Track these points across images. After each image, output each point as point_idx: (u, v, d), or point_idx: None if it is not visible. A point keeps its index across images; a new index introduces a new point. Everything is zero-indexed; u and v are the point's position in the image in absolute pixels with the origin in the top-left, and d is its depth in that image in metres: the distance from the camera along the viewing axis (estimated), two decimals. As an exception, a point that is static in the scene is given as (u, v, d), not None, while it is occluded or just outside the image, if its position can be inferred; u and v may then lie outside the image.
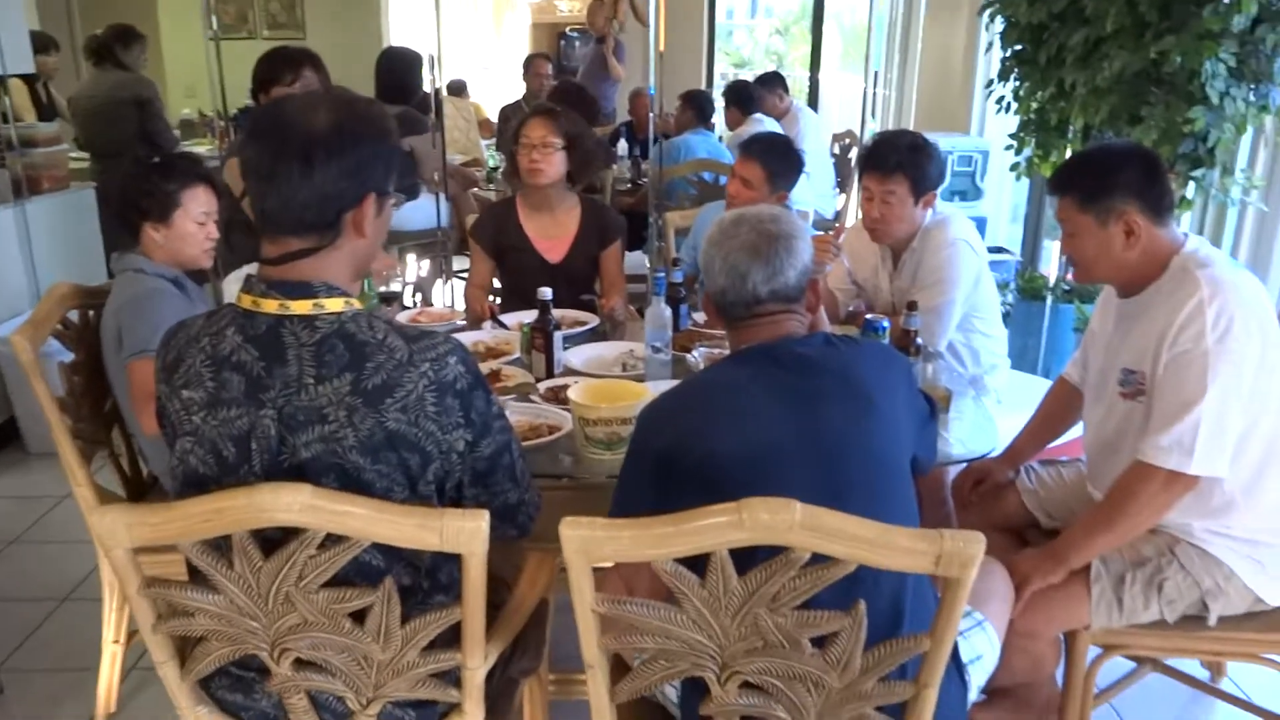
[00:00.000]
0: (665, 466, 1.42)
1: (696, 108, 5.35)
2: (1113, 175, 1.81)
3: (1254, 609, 1.84)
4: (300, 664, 1.34)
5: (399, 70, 4.47)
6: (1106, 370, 1.94)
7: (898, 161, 2.48)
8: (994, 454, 2.13)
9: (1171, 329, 1.73)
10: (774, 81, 6.09)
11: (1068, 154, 3.64)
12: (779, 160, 2.83)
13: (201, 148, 5.72)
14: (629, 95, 6.56)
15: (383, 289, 2.53)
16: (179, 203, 2.13)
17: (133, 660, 2.38)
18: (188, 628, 1.33)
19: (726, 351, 2.31)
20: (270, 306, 1.28)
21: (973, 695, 1.56)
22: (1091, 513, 1.85)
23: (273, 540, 1.23)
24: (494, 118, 6.78)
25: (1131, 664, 2.08)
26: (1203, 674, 2.37)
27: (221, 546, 1.25)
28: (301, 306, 1.28)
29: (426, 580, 1.39)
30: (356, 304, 1.32)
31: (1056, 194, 1.90)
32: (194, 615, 1.31)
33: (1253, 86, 3.02)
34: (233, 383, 1.28)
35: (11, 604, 2.74)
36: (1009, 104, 3.83)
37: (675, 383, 2.15)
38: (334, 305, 1.29)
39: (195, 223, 2.14)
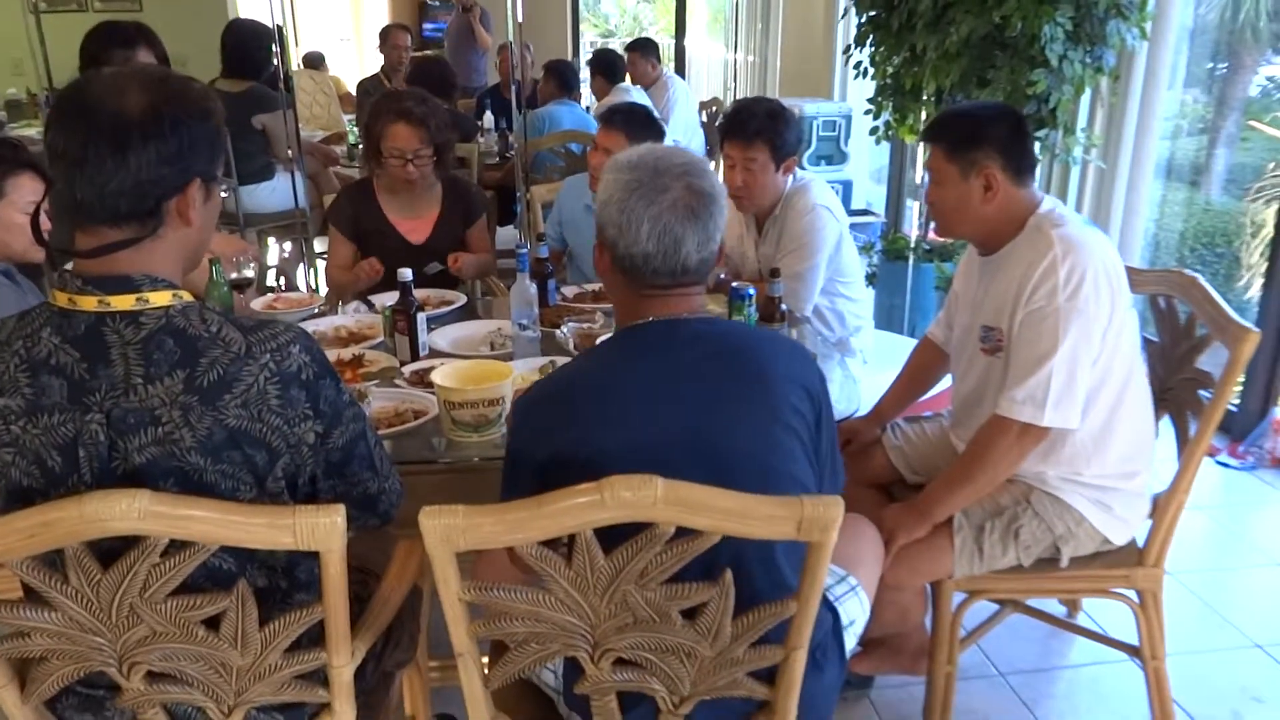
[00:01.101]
0: (549, 473, 1.30)
1: (560, 78, 5.28)
2: (980, 130, 1.87)
3: (1101, 549, 1.95)
4: (153, 677, 1.27)
5: (246, 44, 4.23)
6: (969, 328, 2.01)
7: (757, 129, 2.50)
8: (859, 414, 2.19)
9: (1027, 286, 1.80)
10: (648, 48, 6.06)
11: (923, 117, 3.75)
12: (641, 129, 2.81)
13: (31, 129, 5.33)
14: (495, 51, 6.41)
15: (234, 275, 2.41)
16: (3, 193, 1.98)
17: (-21, 683, 2.22)
18: (24, 649, 1.24)
19: (596, 326, 2.31)
20: (88, 304, 1.19)
21: (846, 655, 1.60)
22: (952, 467, 1.92)
23: (113, 551, 1.15)
24: (354, 92, 6.55)
25: (995, 606, 2.19)
26: (1060, 611, 2.51)
27: (56, 561, 1.17)
28: (123, 302, 1.19)
29: (284, 580, 1.33)
30: (186, 296, 1.24)
31: (928, 142, 1.97)
32: (30, 635, 1.22)
33: (1088, 49, 3.17)
34: (53, 387, 1.19)
35: None
36: (866, 69, 3.91)
37: (542, 360, 2.13)
38: (160, 299, 1.21)
39: (23, 213, 1.99)
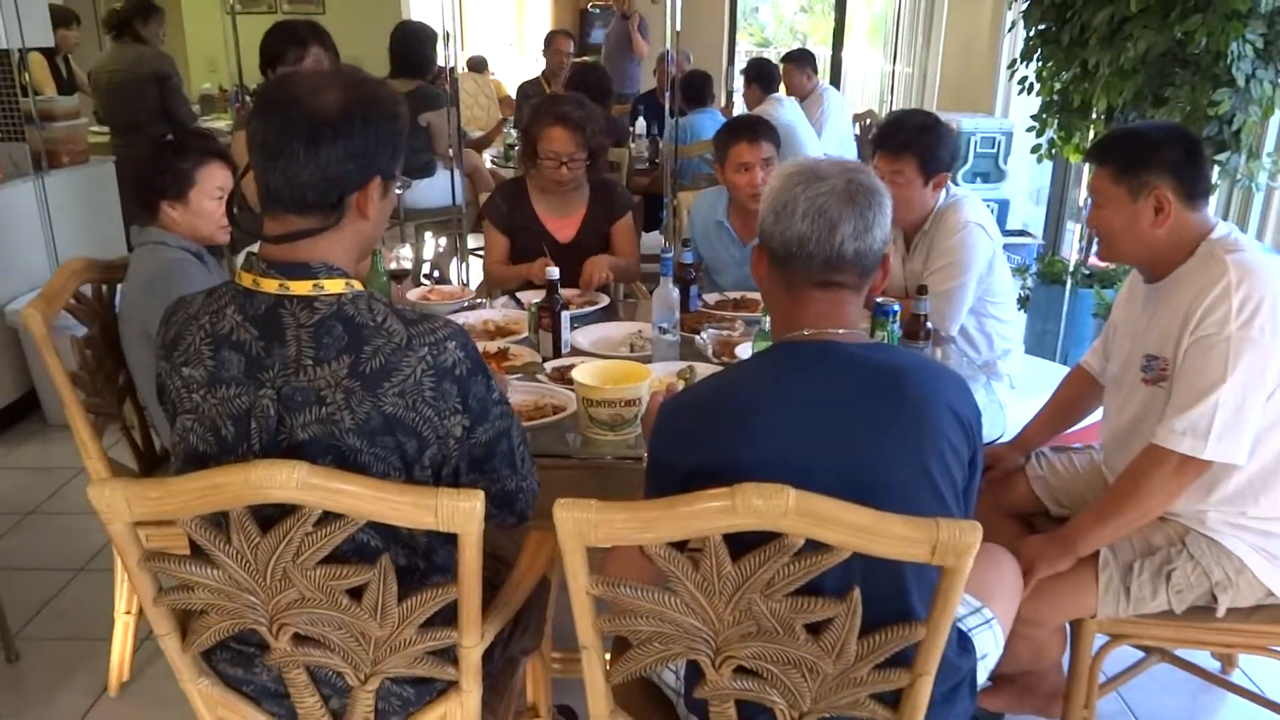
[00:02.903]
0: (694, 482, 1.25)
1: (690, 89, 5.25)
2: (1152, 151, 1.78)
3: (1264, 602, 1.82)
4: (299, 639, 1.34)
5: (414, 45, 4.43)
6: (1130, 357, 1.91)
7: (906, 141, 2.46)
8: (1003, 440, 2.11)
9: (1195, 313, 1.70)
10: (804, 59, 6.02)
11: (1090, 136, 3.59)
12: (777, 137, 2.81)
13: (221, 123, 5.74)
14: (655, 59, 6.48)
15: (393, 266, 2.53)
16: (194, 180, 2.14)
17: (145, 631, 2.41)
18: (187, 601, 1.34)
19: (736, 334, 2.31)
20: (270, 286, 1.28)
21: (976, 689, 1.55)
22: (1102, 499, 1.83)
23: (272, 519, 1.24)
24: (514, 94, 6.76)
25: (1140, 653, 2.07)
26: (1213, 665, 2.35)
27: (221, 522, 1.26)
28: (301, 287, 1.27)
29: (423, 561, 1.39)
30: (357, 285, 1.31)
31: (1093, 163, 1.88)
32: (194, 589, 1.32)
33: (1280, 68, 2.97)
34: (232, 361, 1.28)
35: (28, 573, 2.78)
36: (1031, 85, 3.77)
37: (681, 365, 2.14)
38: (334, 287, 1.28)
39: (212, 199, 2.15)
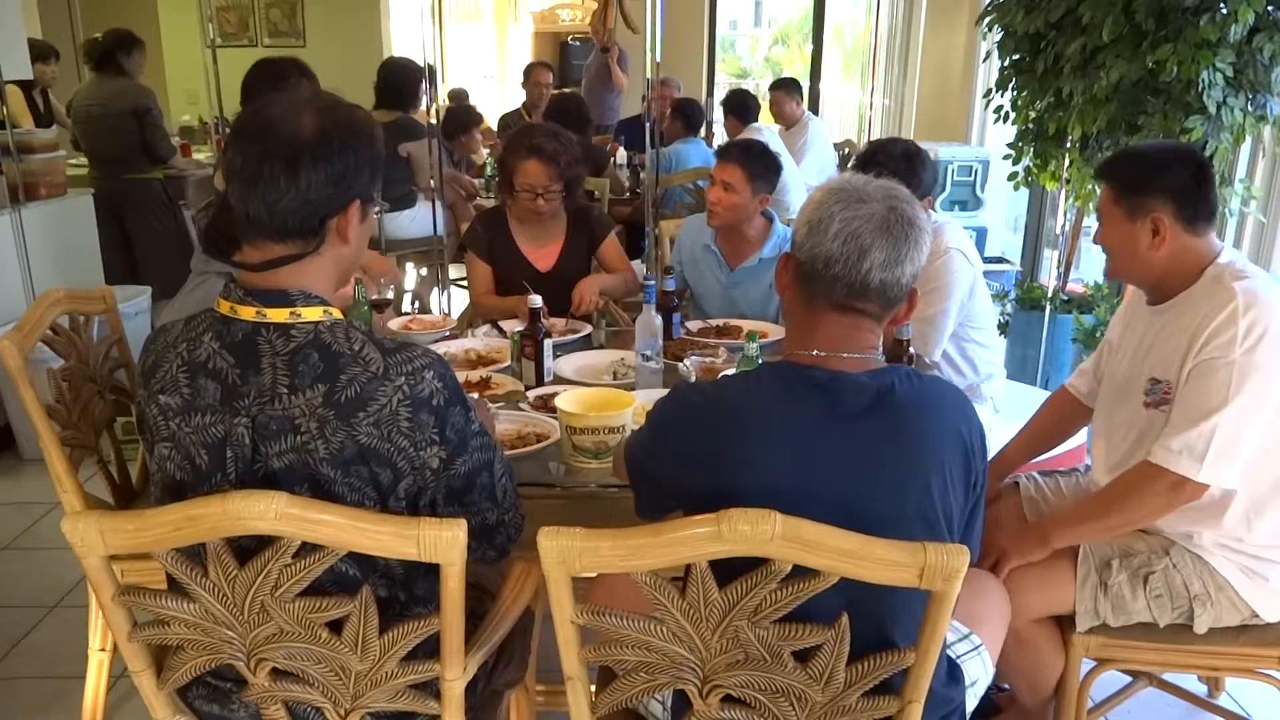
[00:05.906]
0: (693, 503, 1.25)
1: (685, 117, 5.34)
2: (1154, 173, 1.78)
3: (1249, 622, 1.82)
4: (277, 674, 1.32)
5: (398, 79, 4.48)
6: (1130, 379, 1.90)
7: (885, 166, 2.47)
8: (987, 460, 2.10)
9: (1201, 336, 1.70)
10: (793, 87, 6.11)
11: (1067, 163, 3.63)
12: (756, 162, 2.80)
13: (201, 155, 5.72)
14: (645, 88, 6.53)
15: (375, 295, 2.51)
16: None
17: (120, 668, 2.36)
18: (163, 636, 1.31)
19: (719, 361, 2.30)
20: (247, 314, 1.27)
21: (966, 716, 1.53)
22: (1088, 500, 1.84)
23: (249, 551, 1.21)
24: (495, 126, 6.79)
25: (1126, 678, 2.06)
26: (1200, 689, 2.34)
27: (198, 554, 1.23)
28: (278, 315, 1.26)
29: (403, 592, 1.37)
30: (335, 313, 1.30)
31: (1100, 181, 1.89)
32: (169, 624, 1.29)
33: (1250, 96, 3.02)
34: (208, 389, 1.27)
35: (1, 610, 2.72)
36: (1007, 114, 3.82)
37: (664, 393, 2.13)
38: (311, 314, 1.27)
39: None
